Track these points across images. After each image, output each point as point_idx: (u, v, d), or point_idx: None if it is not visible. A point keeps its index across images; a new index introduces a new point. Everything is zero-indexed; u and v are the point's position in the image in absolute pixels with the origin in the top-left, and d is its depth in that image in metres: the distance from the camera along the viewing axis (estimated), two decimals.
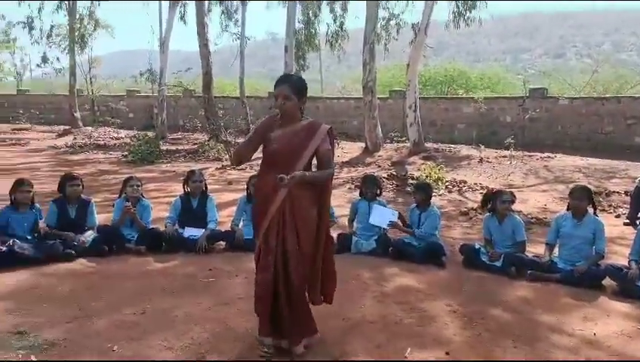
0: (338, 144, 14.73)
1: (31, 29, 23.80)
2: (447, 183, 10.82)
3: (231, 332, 3.93)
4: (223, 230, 6.33)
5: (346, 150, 15.45)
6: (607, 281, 5.03)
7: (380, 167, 13.32)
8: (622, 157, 12.96)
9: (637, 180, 7.60)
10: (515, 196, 6.14)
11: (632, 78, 21.13)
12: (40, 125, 23.82)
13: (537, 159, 13.26)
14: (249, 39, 20.21)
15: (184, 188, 6.42)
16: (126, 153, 15.12)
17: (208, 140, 16.84)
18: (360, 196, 6.41)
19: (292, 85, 3.53)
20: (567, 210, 5.47)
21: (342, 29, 19.47)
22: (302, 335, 3.57)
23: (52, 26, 23.74)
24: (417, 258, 5.69)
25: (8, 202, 5.73)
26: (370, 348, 3.72)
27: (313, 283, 3.64)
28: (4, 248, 5.19)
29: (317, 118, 19.82)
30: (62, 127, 22.39)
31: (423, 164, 12.82)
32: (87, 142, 18.48)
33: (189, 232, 6.03)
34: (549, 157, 13.43)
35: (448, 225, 7.55)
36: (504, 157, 13.44)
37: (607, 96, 16.37)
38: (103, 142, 18.40)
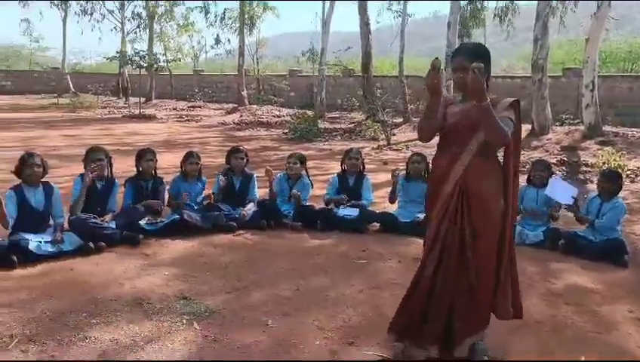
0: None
1: (206, 13, 25.62)
2: (629, 172, 9.63)
3: (384, 319, 3.77)
4: (377, 211, 6.19)
5: None
6: None
7: (547, 151, 12.27)
8: None
9: None
10: None
11: None
12: (211, 103, 25.77)
13: None
14: (410, 16, 19.76)
15: (341, 166, 6.39)
16: (286, 131, 15.70)
17: (365, 120, 16.87)
18: (527, 182, 5.87)
19: (471, 53, 3.07)
20: None
21: (512, 2, 18.18)
22: (466, 334, 3.11)
23: (225, 10, 25.33)
24: (593, 254, 5.07)
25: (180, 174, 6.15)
26: (538, 350, 3.35)
27: (501, 290, 3.15)
28: (176, 216, 5.58)
29: None
30: (230, 105, 23.96)
31: (599, 149, 11.57)
32: (251, 119, 19.53)
33: (344, 211, 5.99)
34: None
35: (631, 219, 6.66)
36: None
37: None
38: (265, 120, 19.31)
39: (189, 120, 20.24)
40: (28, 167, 4.83)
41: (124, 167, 6.58)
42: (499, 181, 3.11)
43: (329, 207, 6.09)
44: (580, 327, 3.70)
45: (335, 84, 22.26)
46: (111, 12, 29.43)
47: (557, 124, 14.40)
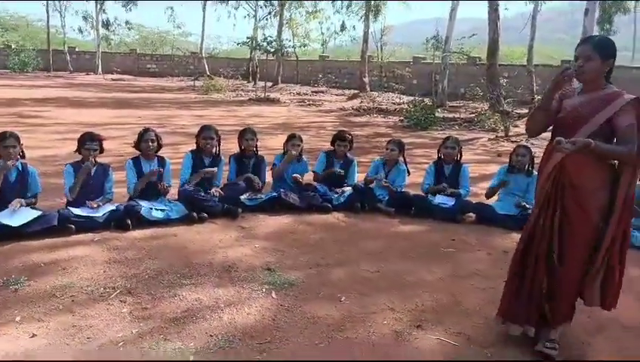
0: None
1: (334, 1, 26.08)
2: None
3: (457, 306, 3.79)
4: (474, 202, 6.07)
5: None
6: None
7: None
8: None
9: None
10: None
11: None
12: (335, 88, 26.27)
13: None
14: (544, 2, 18.65)
15: (438, 154, 6.33)
16: (402, 118, 15.63)
17: (487, 109, 16.30)
18: None
19: (595, 44, 3.09)
20: None
21: None
22: (557, 322, 3.20)
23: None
24: None
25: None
26: (615, 355, 3.18)
27: (589, 282, 3.17)
28: (274, 194, 5.91)
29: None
30: (352, 91, 24.26)
31: None
32: (371, 105, 19.66)
33: (440, 199, 5.95)
34: None
35: None
36: None
37: None
38: (385, 107, 19.35)
39: (310, 104, 20.84)
40: (144, 142, 5.39)
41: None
42: (603, 175, 3.09)
43: (424, 194, 6.08)
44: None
45: (458, 72, 21.69)
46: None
47: None
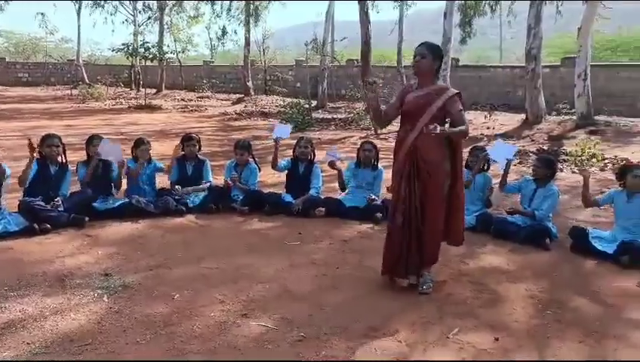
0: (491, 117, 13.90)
1: (213, 4, 25.94)
2: (605, 161, 9.65)
3: (287, 294, 4.03)
4: (323, 197, 6.39)
5: (503, 122, 14.52)
6: None
7: (533, 141, 12.31)
8: None
9: None
10: None
11: None
12: (220, 93, 26.13)
13: None
14: (409, 6, 19.78)
15: (293, 153, 6.58)
16: (281, 120, 15.91)
17: (364, 109, 16.99)
18: (465, 167, 5.99)
19: (428, 46, 4.00)
20: None
21: None
22: (430, 264, 4.13)
23: (231, 2, 25.62)
24: (520, 238, 5.21)
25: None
26: (418, 323, 3.55)
27: (455, 228, 4.16)
28: (126, 200, 5.89)
29: (479, 87, 18.94)
30: (238, 96, 24.28)
31: (586, 139, 11.55)
32: (254, 109, 19.82)
33: (289, 198, 6.20)
34: None
35: (581, 205, 6.73)
36: None
37: None
38: (267, 110, 19.58)
39: (193, 110, 20.61)
40: None
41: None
42: (444, 151, 3.99)
43: (277, 193, 6.33)
44: (470, 304, 3.88)
45: (339, 74, 22.38)
46: (122, 4, 29.91)
47: (554, 113, 14.34)
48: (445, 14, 16.13)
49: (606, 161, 9.64)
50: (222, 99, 24.35)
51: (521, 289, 4.11)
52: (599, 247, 4.82)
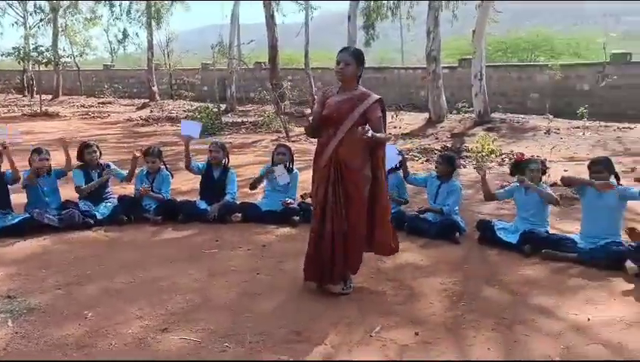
0: (398, 117, 14.37)
1: (111, 6, 24.88)
2: (502, 156, 10.27)
3: (208, 304, 3.95)
4: (239, 202, 6.32)
5: (408, 121, 15.01)
6: None
7: (437, 139, 12.86)
8: None
9: None
10: (546, 166, 5.71)
11: None
12: (123, 99, 25.12)
13: (614, 130, 12.28)
14: (315, 9, 20.02)
15: (208, 158, 6.45)
16: None
17: (274, 112, 16.98)
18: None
19: (353, 53, 4.01)
20: None
21: None
22: (340, 278, 4.04)
23: (130, 3, 24.70)
24: (432, 234, 5.43)
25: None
26: (340, 324, 3.60)
27: (380, 237, 4.13)
28: (27, 215, 5.52)
29: (384, 89, 19.53)
30: (142, 101, 23.45)
31: (484, 135, 12.23)
32: (160, 115, 19.24)
33: (205, 204, 6.09)
34: (628, 128, 12.41)
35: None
36: (577, 128, 12.56)
37: None
38: (174, 115, 19.07)
39: (94, 117, 19.68)
40: None
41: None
42: (365, 156, 3.97)
43: (191, 200, 6.19)
44: (389, 301, 3.99)
45: (248, 77, 22.23)
46: (10, 5, 27.96)
47: (454, 112, 15.03)
48: (349, 17, 16.49)
49: (503, 156, 10.25)
50: (125, 105, 23.41)
51: (436, 283, 4.29)
52: (504, 238, 5.12)
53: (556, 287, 4.16)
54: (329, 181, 3.93)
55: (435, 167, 5.98)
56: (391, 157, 5.69)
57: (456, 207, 5.73)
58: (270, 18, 18.57)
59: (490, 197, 5.65)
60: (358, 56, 4.02)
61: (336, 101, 4.00)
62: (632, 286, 4.17)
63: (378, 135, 3.85)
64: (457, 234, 5.38)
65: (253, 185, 6.39)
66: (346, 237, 3.96)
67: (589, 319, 3.61)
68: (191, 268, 4.65)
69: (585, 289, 4.13)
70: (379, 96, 4.04)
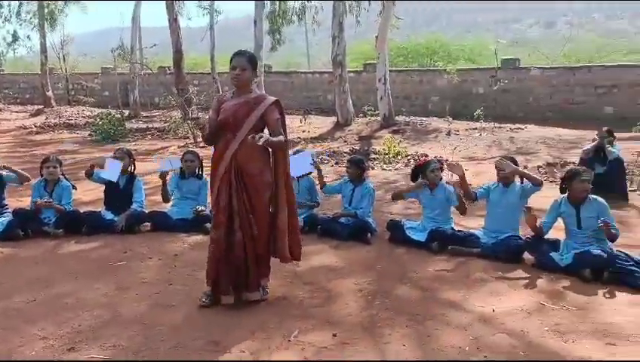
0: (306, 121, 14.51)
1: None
2: (408, 157, 10.65)
3: (118, 319, 3.78)
4: (148, 211, 6.11)
5: (317, 125, 15.17)
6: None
7: (346, 141, 13.11)
8: (592, 127, 12.71)
9: (582, 151, 7.41)
10: (442, 163, 5.97)
11: (608, 46, 20.85)
12: (15, 105, 23.48)
13: (507, 130, 13.10)
14: (219, 13, 19.81)
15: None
16: (91, 132, 14.85)
17: (181, 118, 16.56)
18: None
19: (248, 58, 3.93)
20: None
21: (309, 1, 18.99)
22: (263, 278, 4.03)
23: (20, 4, 23.17)
24: (344, 236, 5.52)
25: None
26: (258, 330, 3.57)
27: (280, 244, 4.02)
28: None
29: (292, 93, 19.63)
30: (36, 107, 22.05)
31: (390, 138, 12.62)
32: (57, 121, 18.20)
33: (112, 215, 5.83)
34: (519, 128, 13.27)
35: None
36: (474, 129, 13.26)
37: (578, 65, 16.04)
38: (73, 122, 18.12)
39: None
40: None
41: None
42: (264, 159, 3.95)
43: (96, 211, 5.90)
44: (306, 304, 4.02)
45: (152, 82, 21.57)
46: None
47: (360, 115, 15.39)
48: (255, 22, 16.45)
49: (409, 158, 10.64)
50: (17, 111, 21.84)
51: (351, 284, 4.37)
52: (413, 237, 5.31)
53: (463, 282, 4.38)
54: (231, 187, 3.84)
55: (346, 172, 6.10)
56: (304, 166, 5.76)
57: (370, 210, 5.87)
58: (174, 21, 18.11)
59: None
60: (253, 61, 3.97)
61: (231, 105, 3.93)
62: (528, 276, 4.48)
63: (275, 139, 3.79)
64: (369, 234, 5.52)
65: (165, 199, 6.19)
66: (251, 244, 3.89)
67: (493, 310, 3.82)
68: (98, 282, 4.43)
69: (489, 282, 4.37)
70: (275, 98, 4.01)
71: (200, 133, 4.36)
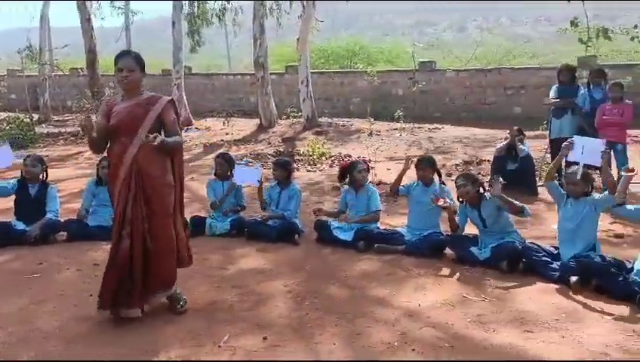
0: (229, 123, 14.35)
1: None
2: (332, 158, 10.77)
3: (35, 334, 3.58)
4: (63, 220, 5.82)
5: (240, 127, 15.04)
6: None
7: (270, 144, 13.08)
8: (503, 126, 13.42)
9: (495, 149, 7.79)
10: (368, 164, 6.09)
11: (515, 50, 22.12)
12: None
13: (425, 131, 13.54)
14: (135, 14, 19.18)
15: (21, 173, 5.83)
16: None
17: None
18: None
19: (135, 58, 3.78)
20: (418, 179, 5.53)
21: (229, 2, 18.77)
22: (159, 289, 3.79)
23: None
24: (272, 237, 5.51)
25: None
26: (187, 338, 3.49)
27: (180, 247, 3.88)
28: None
29: (213, 95, 19.33)
30: None
31: (314, 139, 12.72)
32: None
33: (23, 225, 5.51)
34: (437, 128, 13.76)
35: (320, 200, 7.44)
36: (395, 129, 13.61)
37: (489, 67, 16.85)
38: None
39: None
40: None
41: None
42: (165, 162, 3.81)
43: (5, 221, 5.55)
44: (235, 308, 3.97)
45: (63, 84, 20.57)
46: None
47: (284, 117, 15.40)
48: (173, 23, 16.06)
49: (333, 158, 10.77)
50: None
51: (280, 286, 4.36)
52: (340, 236, 5.38)
53: (389, 278, 4.48)
54: (129, 193, 3.67)
55: (273, 174, 6.09)
56: (250, 178, 5.97)
57: (297, 211, 5.89)
58: (86, 21, 17.41)
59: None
60: (140, 61, 3.80)
61: (123, 108, 3.75)
62: (450, 270, 4.66)
63: (170, 139, 3.70)
64: (297, 235, 5.54)
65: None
66: (151, 252, 3.70)
67: (419, 304, 3.94)
68: (11, 296, 4.17)
69: (414, 277, 4.50)
70: (170, 98, 3.95)
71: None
